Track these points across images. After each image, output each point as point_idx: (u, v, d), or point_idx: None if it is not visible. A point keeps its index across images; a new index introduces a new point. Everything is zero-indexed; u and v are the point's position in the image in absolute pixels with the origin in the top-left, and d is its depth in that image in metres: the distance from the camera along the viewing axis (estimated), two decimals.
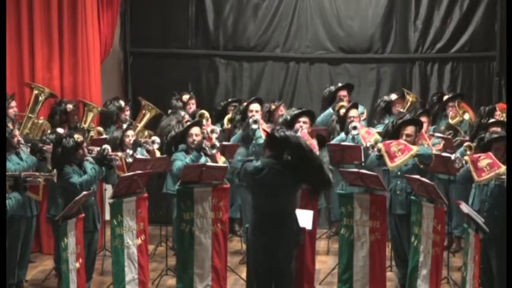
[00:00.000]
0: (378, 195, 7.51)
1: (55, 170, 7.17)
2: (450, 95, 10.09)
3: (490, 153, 7.01)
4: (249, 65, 11.33)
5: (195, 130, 8.26)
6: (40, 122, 9.13)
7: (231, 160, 8.75)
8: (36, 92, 9.22)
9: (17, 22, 9.43)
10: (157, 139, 8.81)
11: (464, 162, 7.22)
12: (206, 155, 8.07)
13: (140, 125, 9.88)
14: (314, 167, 6.23)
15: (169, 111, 9.69)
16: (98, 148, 7.79)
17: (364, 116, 10.05)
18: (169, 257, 8.50)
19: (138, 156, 8.49)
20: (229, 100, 10.37)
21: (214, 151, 8.10)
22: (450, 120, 9.51)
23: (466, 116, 9.50)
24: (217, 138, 8.70)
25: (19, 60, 9.48)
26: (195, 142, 8.17)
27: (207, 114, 9.38)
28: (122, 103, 9.87)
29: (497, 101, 10.20)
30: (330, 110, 9.88)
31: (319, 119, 9.87)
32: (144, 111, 10.03)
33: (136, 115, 10.17)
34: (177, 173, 8.02)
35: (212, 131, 8.64)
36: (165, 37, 11.24)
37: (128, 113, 9.95)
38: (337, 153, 8.68)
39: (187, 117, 9.14)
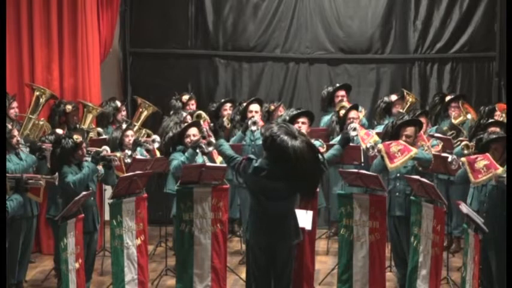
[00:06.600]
0: (377, 196, 7.50)
1: (57, 174, 7.17)
2: (452, 96, 10.07)
3: (488, 155, 6.98)
4: (249, 66, 11.33)
5: (193, 131, 8.23)
6: (41, 123, 9.13)
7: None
8: (37, 93, 9.23)
9: (17, 23, 9.44)
10: (157, 138, 8.82)
11: (461, 163, 7.21)
12: (203, 153, 8.05)
13: (138, 124, 9.89)
14: (306, 177, 6.09)
15: (172, 112, 9.70)
16: (98, 149, 7.80)
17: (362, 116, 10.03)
18: (168, 257, 8.50)
19: (138, 156, 8.49)
20: (223, 100, 10.25)
21: (210, 148, 8.03)
22: (453, 120, 9.48)
23: (469, 117, 9.49)
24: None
25: (19, 62, 9.48)
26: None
27: (204, 114, 9.37)
28: (118, 103, 9.88)
29: (497, 101, 10.20)
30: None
31: (322, 122, 9.89)
32: (140, 110, 10.05)
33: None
34: (173, 171, 8.03)
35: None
36: (164, 37, 11.22)
37: (124, 113, 9.96)
38: None
39: (189, 118, 9.12)
